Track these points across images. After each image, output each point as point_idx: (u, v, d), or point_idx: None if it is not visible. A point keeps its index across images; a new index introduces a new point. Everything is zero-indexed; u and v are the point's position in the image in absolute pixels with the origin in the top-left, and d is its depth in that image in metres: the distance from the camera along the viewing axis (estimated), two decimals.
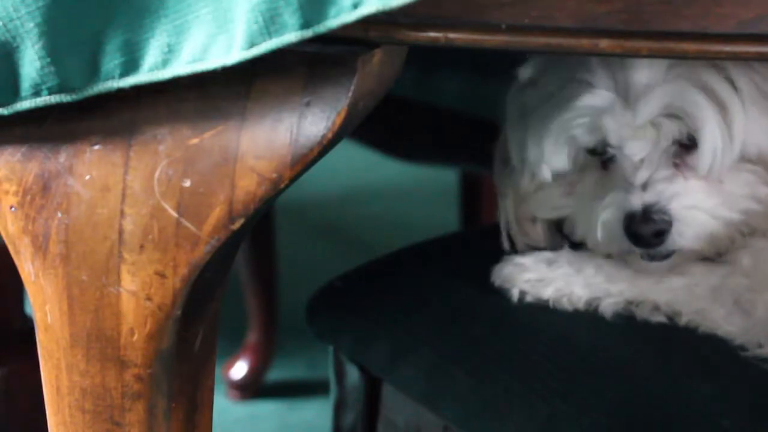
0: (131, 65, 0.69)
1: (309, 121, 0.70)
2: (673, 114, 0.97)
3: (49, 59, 0.68)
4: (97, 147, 0.72)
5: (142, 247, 0.72)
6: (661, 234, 0.97)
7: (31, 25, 0.68)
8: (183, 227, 0.72)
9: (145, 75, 0.69)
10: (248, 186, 0.70)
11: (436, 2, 0.67)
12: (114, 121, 0.72)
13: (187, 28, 0.67)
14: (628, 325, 1.00)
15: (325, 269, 1.24)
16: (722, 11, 0.66)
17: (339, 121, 0.70)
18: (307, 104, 0.70)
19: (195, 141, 0.71)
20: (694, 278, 1.00)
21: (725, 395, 0.92)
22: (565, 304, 1.02)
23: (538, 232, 1.07)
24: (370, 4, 0.63)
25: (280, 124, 0.70)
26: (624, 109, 0.97)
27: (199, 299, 0.76)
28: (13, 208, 0.74)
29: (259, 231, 1.95)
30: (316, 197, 2.75)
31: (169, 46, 0.68)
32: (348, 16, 0.64)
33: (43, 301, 0.75)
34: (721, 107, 0.97)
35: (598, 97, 0.98)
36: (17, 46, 0.69)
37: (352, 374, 1.11)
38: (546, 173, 1.03)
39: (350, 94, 0.69)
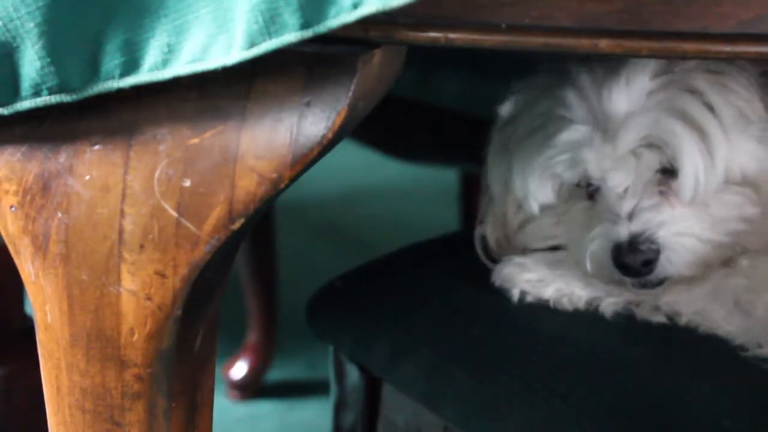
0: (131, 65, 0.69)
1: (309, 121, 0.70)
2: (652, 143, 0.97)
3: (49, 59, 0.68)
4: (97, 147, 0.72)
5: (142, 246, 0.72)
6: (650, 263, 0.97)
7: (31, 25, 0.68)
8: (183, 227, 0.72)
9: (145, 75, 0.69)
10: (248, 186, 0.70)
11: (436, 2, 0.67)
12: (114, 121, 0.72)
13: (187, 28, 0.67)
14: (628, 325, 1.00)
15: (325, 269, 1.24)
16: (722, 11, 0.66)
17: (339, 121, 0.70)
18: (307, 104, 0.70)
19: (195, 141, 0.71)
20: (694, 278, 1.00)
21: (725, 395, 0.92)
22: (565, 304, 1.02)
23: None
24: (370, 4, 0.63)
25: (280, 124, 0.70)
26: (603, 141, 0.98)
27: (199, 299, 0.76)
28: (13, 208, 0.74)
29: (259, 231, 1.95)
30: (316, 197, 2.75)
31: (169, 46, 0.68)
32: (348, 16, 0.64)
33: (43, 301, 0.75)
34: (701, 133, 0.97)
35: (576, 132, 0.99)
36: (17, 46, 0.69)
37: (352, 374, 1.11)
38: (534, 207, 1.04)
39: (350, 94, 0.69)
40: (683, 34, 0.67)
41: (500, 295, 1.05)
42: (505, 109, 1.07)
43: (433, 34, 0.68)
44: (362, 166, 2.77)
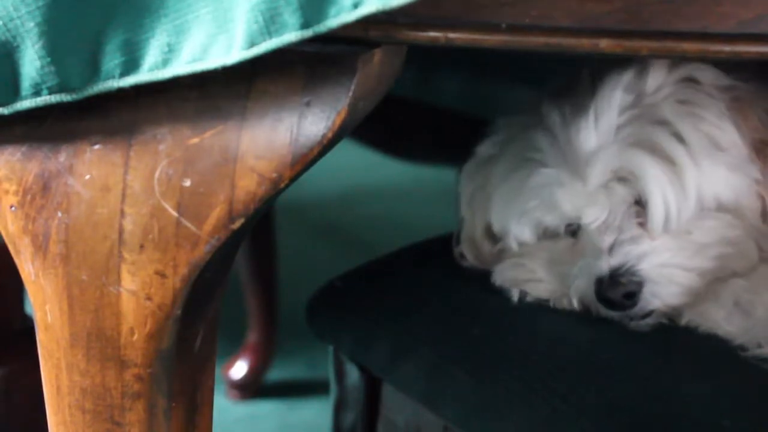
0: (131, 65, 0.69)
1: (309, 121, 0.70)
2: (622, 177, 0.98)
3: (49, 59, 0.68)
4: (97, 147, 0.72)
5: (142, 246, 0.72)
6: (633, 296, 0.97)
7: (32, 24, 0.68)
8: (183, 227, 0.72)
9: (145, 75, 0.69)
10: (248, 186, 0.70)
11: (436, 2, 0.67)
12: (114, 121, 0.72)
13: (187, 28, 0.67)
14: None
15: (325, 269, 1.24)
16: (722, 11, 0.66)
17: (339, 120, 0.70)
18: (307, 104, 0.70)
19: (195, 141, 0.71)
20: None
21: (725, 395, 0.92)
22: (565, 305, 1.02)
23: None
24: (370, 4, 0.63)
25: (280, 123, 0.70)
26: (573, 179, 0.98)
27: (199, 299, 0.76)
28: (13, 208, 0.74)
29: (259, 231, 1.95)
30: (316, 197, 2.75)
31: (169, 45, 0.68)
32: (348, 16, 0.64)
33: (43, 301, 0.75)
34: (669, 163, 0.97)
35: (545, 175, 1.00)
36: (17, 46, 0.69)
37: (352, 374, 1.11)
38: (513, 246, 1.05)
39: (350, 94, 0.69)
40: (683, 34, 0.67)
41: (500, 295, 1.05)
42: (483, 149, 1.07)
43: (433, 34, 0.68)
44: (362, 166, 2.77)
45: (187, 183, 0.71)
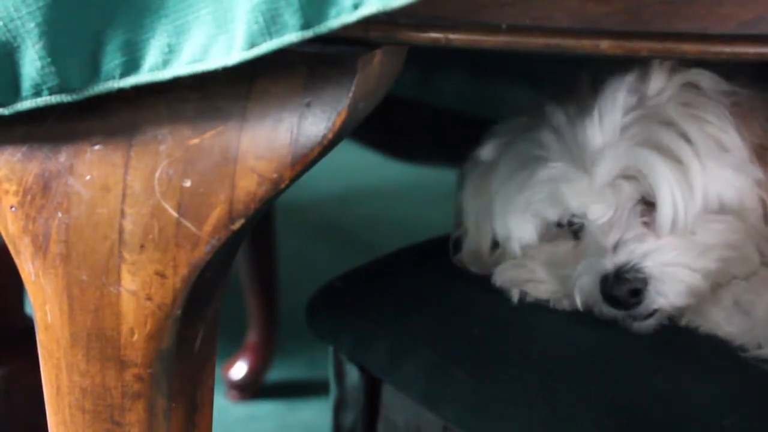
0: (131, 65, 0.69)
1: (309, 122, 0.70)
2: (629, 175, 0.98)
3: (49, 59, 0.68)
4: (97, 147, 0.72)
5: (142, 246, 0.72)
6: (638, 293, 0.96)
7: (32, 25, 0.68)
8: (183, 227, 0.72)
9: (145, 75, 0.69)
10: (248, 186, 0.70)
11: (436, 3, 0.67)
12: (114, 121, 0.72)
13: (187, 29, 0.67)
14: None
15: (325, 269, 1.24)
16: (722, 12, 0.66)
17: (339, 121, 0.70)
18: (308, 104, 0.70)
19: (195, 141, 0.71)
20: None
21: (725, 395, 0.92)
22: (565, 305, 1.02)
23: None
24: (371, 5, 0.63)
25: (280, 124, 0.70)
26: (581, 175, 0.98)
27: (199, 299, 0.76)
28: (13, 208, 0.74)
29: (259, 231, 1.95)
30: (316, 197, 2.75)
31: (169, 46, 0.68)
32: (348, 17, 0.64)
33: (43, 301, 0.75)
34: (677, 163, 0.97)
35: (553, 169, 1.00)
36: (18, 46, 0.69)
37: (352, 374, 1.11)
38: (515, 248, 1.04)
39: (350, 94, 0.69)
40: (683, 35, 0.67)
41: (500, 295, 1.05)
42: (484, 153, 1.07)
43: (433, 35, 0.68)
44: (362, 166, 2.77)
45: (188, 183, 0.71)
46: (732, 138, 0.99)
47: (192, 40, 0.67)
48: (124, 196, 0.72)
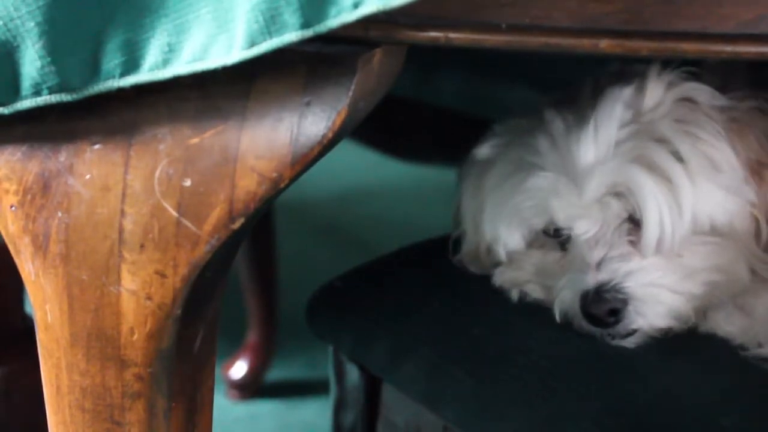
0: (131, 65, 0.69)
1: (309, 121, 0.70)
2: (618, 192, 0.97)
3: (49, 58, 0.68)
4: (97, 146, 0.72)
5: (142, 246, 0.72)
6: (616, 312, 0.96)
7: (32, 24, 0.68)
8: (183, 227, 0.72)
9: (145, 74, 0.69)
10: (249, 185, 0.70)
11: (436, 2, 0.67)
12: (114, 121, 0.72)
13: (187, 28, 0.67)
14: None
15: (325, 269, 1.24)
16: (722, 11, 0.66)
17: (339, 120, 0.70)
18: (308, 104, 0.70)
19: (195, 140, 0.71)
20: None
21: (725, 394, 0.92)
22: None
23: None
24: (371, 4, 0.63)
25: (280, 123, 0.70)
26: (570, 189, 0.98)
27: (199, 299, 0.76)
28: (13, 208, 0.74)
29: (259, 231, 1.95)
30: (316, 197, 2.75)
31: (169, 45, 0.68)
32: (348, 16, 0.64)
33: (44, 301, 0.75)
34: (667, 182, 0.96)
35: (544, 179, 0.99)
36: (18, 46, 0.69)
37: (352, 374, 1.11)
38: (501, 254, 1.04)
39: (350, 93, 0.69)
40: (683, 35, 0.67)
41: (500, 295, 1.05)
42: (482, 152, 1.07)
43: (433, 34, 0.68)
44: (362, 166, 2.77)
45: (188, 183, 0.71)
46: (726, 156, 0.98)
47: (192, 39, 0.67)
48: (124, 195, 0.72)
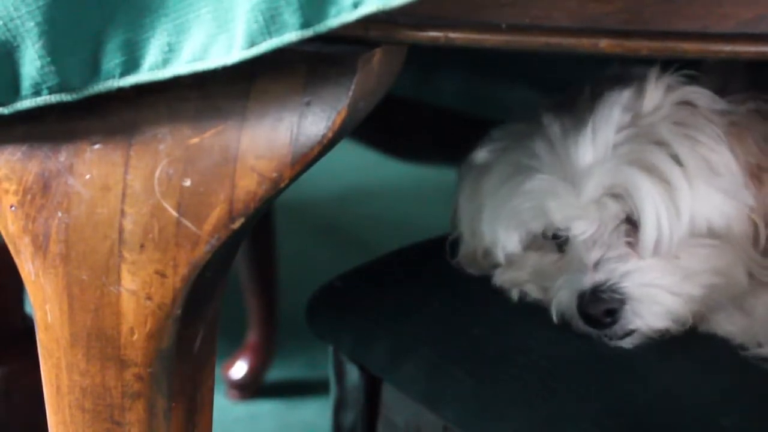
0: (131, 64, 0.69)
1: (309, 121, 0.70)
2: (616, 193, 0.97)
3: (49, 58, 0.68)
4: (97, 146, 0.72)
5: (142, 246, 0.72)
6: (613, 313, 0.96)
7: (32, 24, 0.68)
8: (183, 227, 0.72)
9: (145, 74, 0.69)
10: (249, 185, 0.70)
11: (436, 2, 0.67)
12: (114, 121, 0.72)
13: (187, 28, 0.67)
14: None
15: (325, 269, 1.24)
16: (722, 11, 0.66)
17: (339, 120, 0.70)
18: (308, 104, 0.70)
19: (195, 140, 0.71)
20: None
21: (725, 395, 0.92)
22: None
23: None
24: (371, 4, 0.63)
25: (280, 123, 0.70)
26: (568, 189, 0.98)
27: (199, 299, 0.76)
28: (13, 208, 0.74)
29: (259, 231, 1.95)
30: (316, 197, 2.75)
31: (169, 45, 0.68)
32: (348, 16, 0.64)
33: (44, 301, 0.75)
34: (665, 184, 0.96)
35: (541, 181, 0.99)
36: (18, 46, 0.69)
37: (352, 374, 1.11)
38: (500, 256, 1.04)
39: (350, 93, 0.69)
40: (683, 34, 0.67)
41: (500, 295, 1.05)
42: (479, 156, 1.07)
43: (433, 34, 0.68)
44: (362, 166, 2.77)
45: (188, 183, 0.71)
46: (725, 159, 0.98)
47: (192, 39, 0.67)
48: (124, 195, 0.72)
